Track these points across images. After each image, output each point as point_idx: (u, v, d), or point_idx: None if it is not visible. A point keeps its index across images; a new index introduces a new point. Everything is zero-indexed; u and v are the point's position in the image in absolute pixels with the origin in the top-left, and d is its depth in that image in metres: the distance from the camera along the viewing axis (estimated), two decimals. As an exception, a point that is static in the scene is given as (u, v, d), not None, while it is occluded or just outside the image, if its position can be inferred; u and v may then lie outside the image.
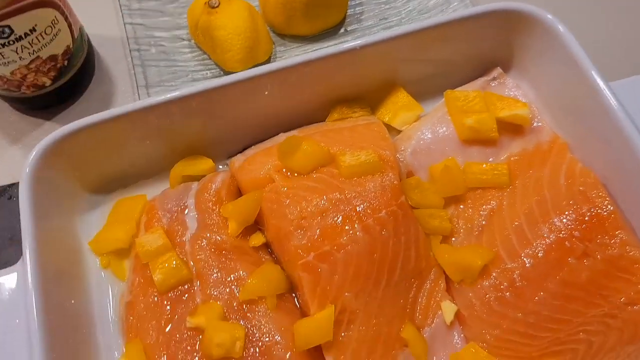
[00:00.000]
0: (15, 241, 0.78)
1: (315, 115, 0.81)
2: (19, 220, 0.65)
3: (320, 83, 0.78)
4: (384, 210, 0.68)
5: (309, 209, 0.68)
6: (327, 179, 0.71)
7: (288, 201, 0.69)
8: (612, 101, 0.70)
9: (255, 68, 0.73)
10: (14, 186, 0.81)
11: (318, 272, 0.66)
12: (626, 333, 0.67)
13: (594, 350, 0.67)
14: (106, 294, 0.72)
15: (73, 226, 0.74)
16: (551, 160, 0.74)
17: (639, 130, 0.68)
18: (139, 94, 0.84)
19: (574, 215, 0.68)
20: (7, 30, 0.73)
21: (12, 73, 0.78)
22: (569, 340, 0.66)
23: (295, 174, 0.72)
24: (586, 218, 0.68)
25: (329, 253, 0.66)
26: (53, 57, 0.80)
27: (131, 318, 0.70)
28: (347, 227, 0.67)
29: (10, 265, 0.68)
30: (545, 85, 0.80)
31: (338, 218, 0.68)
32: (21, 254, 0.64)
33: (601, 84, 0.71)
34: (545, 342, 0.66)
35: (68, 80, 0.84)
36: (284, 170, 0.72)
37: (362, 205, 0.68)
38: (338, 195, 0.69)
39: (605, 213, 0.68)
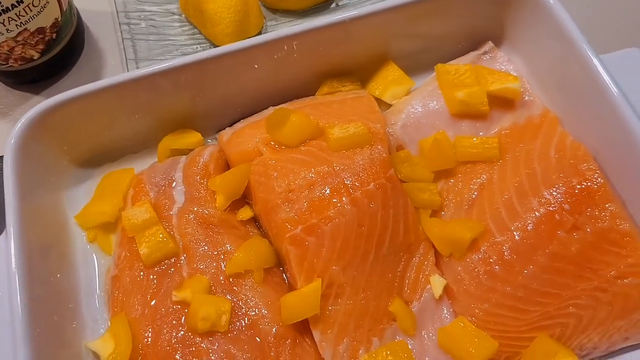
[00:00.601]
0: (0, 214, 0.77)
1: (305, 90, 0.80)
2: (4, 193, 0.65)
3: (311, 56, 0.77)
4: (373, 183, 0.67)
5: (296, 182, 0.68)
6: (316, 152, 0.70)
7: (276, 174, 0.69)
8: (603, 74, 0.69)
9: (245, 40, 0.72)
10: (1, 159, 0.80)
11: (305, 245, 0.65)
12: (616, 307, 0.66)
13: (583, 325, 0.66)
14: (92, 268, 0.72)
15: (59, 200, 0.74)
16: (542, 134, 0.73)
17: (630, 102, 0.67)
18: (127, 68, 0.83)
19: (564, 188, 0.67)
20: (-7, 1, 0.72)
21: (-1, 45, 0.78)
22: (559, 314, 0.66)
23: (284, 147, 0.71)
24: (576, 191, 0.67)
25: (316, 226, 0.65)
26: (41, 30, 0.79)
27: (117, 292, 0.69)
28: (335, 200, 0.66)
29: (-6, 238, 0.67)
30: (537, 58, 0.79)
31: (326, 191, 0.67)
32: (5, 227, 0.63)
33: (592, 56, 0.70)
34: (535, 316, 0.66)
35: (57, 54, 0.83)
36: (272, 143, 0.71)
37: (350, 178, 0.67)
38: (326, 168, 0.68)
39: (595, 186, 0.67)
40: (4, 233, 0.64)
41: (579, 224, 0.66)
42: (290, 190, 0.67)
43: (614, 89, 0.68)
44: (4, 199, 0.65)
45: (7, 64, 0.81)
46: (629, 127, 0.67)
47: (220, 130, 0.78)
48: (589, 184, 0.67)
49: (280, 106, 0.77)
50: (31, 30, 0.77)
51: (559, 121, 0.75)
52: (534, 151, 0.72)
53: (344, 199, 0.66)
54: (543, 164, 0.71)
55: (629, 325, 0.67)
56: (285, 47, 0.74)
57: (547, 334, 0.65)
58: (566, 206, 0.67)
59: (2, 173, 0.68)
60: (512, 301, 0.66)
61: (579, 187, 0.67)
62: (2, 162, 0.70)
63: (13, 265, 0.62)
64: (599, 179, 0.67)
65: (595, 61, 0.70)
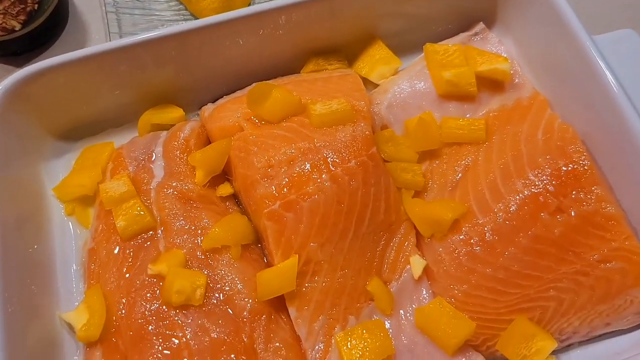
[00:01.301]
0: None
1: (291, 67, 0.79)
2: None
3: (297, 33, 0.75)
4: (354, 160, 0.66)
5: (276, 158, 0.66)
6: (297, 128, 0.69)
7: (256, 149, 0.67)
8: (596, 55, 0.68)
9: (229, 12, 0.71)
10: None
11: (283, 221, 0.64)
12: (598, 291, 0.65)
13: (564, 308, 0.65)
14: (69, 241, 0.71)
15: (38, 172, 0.73)
16: (530, 116, 0.72)
17: (622, 84, 0.66)
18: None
19: (549, 170, 0.66)
20: (-28, -32, 0.71)
21: (-21, 15, 0.77)
22: (539, 297, 0.65)
23: (265, 123, 0.70)
24: (562, 173, 0.66)
25: (295, 202, 0.64)
26: (22, 0, 0.78)
27: (93, 265, 0.68)
28: (314, 176, 0.65)
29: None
30: (529, 40, 0.77)
31: (306, 167, 0.66)
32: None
33: (585, 38, 0.68)
34: (514, 299, 0.65)
35: (39, 26, 0.82)
36: (253, 118, 0.70)
37: (331, 155, 0.66)
38: (307, 145, 0.67)
39: (582, 168, 0.66)
40: (-22, 202, 0.64)
41: (563, 207, 0.65)
42: (269, 165, 0.66)
43: (606, 71, 0.67)
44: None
45: (-11, 34, 0.80)
46: (619, 109, 0.65)
47: (203, 106, 0.77)
48: (575, 166, 0.66)
49: (262, 82, 0.75)
50: (12, 0, 0.76)
51: (548, 104, 0.74)
52: (521, 133, 0.71)
53: (323, 175, 0.65)
54: (530, 146, 0.69)
55: (610, 310, 0.65)
56: (271, 22, 0.73)
57: (526, 317, 0.64)
58: (551, 188, 0.65)
59: (-21, 143, 0.67)
60: (492, 283, 0.65)
61: (564, 169, 0.66)
62: (-20, 132, 0.69)
63: (-14, 234, 0.61)
64: (586, 162, 0.66)
65: (588, 43, 0.69)
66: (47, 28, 0.84)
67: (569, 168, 0.66)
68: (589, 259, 0.64)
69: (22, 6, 0.78)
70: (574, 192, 0.65)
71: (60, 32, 0.88)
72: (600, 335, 0.67)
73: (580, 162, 0.66)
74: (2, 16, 0.77)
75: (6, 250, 0.62)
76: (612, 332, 0.67)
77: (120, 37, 0.83)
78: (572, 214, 0.65)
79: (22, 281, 0.64)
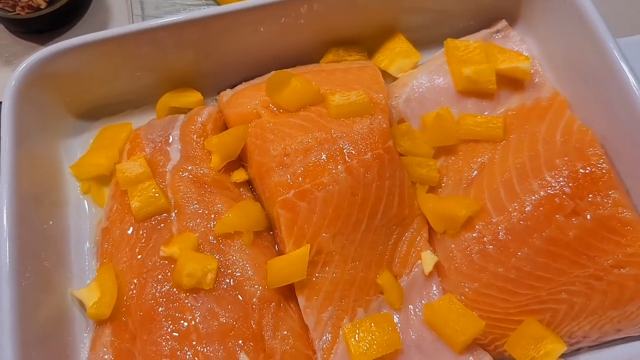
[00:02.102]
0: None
1: (311, 57, 0.79)
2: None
3: (318, 22, 0.75)
4: (370, 153, 0.66)
5: (292, 146, 0.66)
6: (315, 118, 0.69)
7: (272, 137, 0.68)
8: (619, 57, 0.67)
9: (252, 0, 0.71)
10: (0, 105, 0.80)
11: (297, 209, 0.64)
12: (610, 296, 0.64)
13: (575, 312, 0.65)
14: (84, 219, 0.72)
15: (56, 149, 0.74)
16: (549, 117, 0.71)
17: (644, 89, 0.65)
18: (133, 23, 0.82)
19: (566, 172, 0.65)
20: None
21: (6, -9, 0.78)
22: (550, 299, 0.64)
23: (283, 111, 0.70)
24: (579, 175, 0.65)
25: (309, 191, 0.64)
26: (48, -21, 0.79)
27: (106, 244, 0.69)
28: (330, 167, 0.65)
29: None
30: (551, 40, 0.77)
31: (322, 157, 0.66)
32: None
33: (608, 39, 0.68)
34: (525, 300, 0.64)
35: (63, 5, 0.83)
36: (271, 106, 0.70)
37: (347, 146, 0.66)
38: (324, 135, 0.67)
39: (600, 172, 0.65)
40: (-3, 175, 0.64)
41: (579, 209, 0.64)
42: (285, 154, 0.66)
43: (628, 74, 0.66)
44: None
45: (14, 11, 0.81)
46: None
47: (222, 92, 0.77)
48: (593, 169, 0.65)
49: (282, 70, 0.75)
50: (38, -22, 0.78)
51: (568, 105, 0.73)
52: (540, 133, 0.70)
53: (339, 166, 0.65)
54: (547, 147, 0.69)
55: (622, 317, 0.65)
56: (292, 11, 0.73)
57: (536, 319, 0.64)
58: (567, 190, 0.65)
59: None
60: (503, 282, 0.64)
61: (582, 171, 0.65)
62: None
63: (4, 208, 0.62)
64: (604, 165, 0.65)
65: (612, 45, 0.68)
66: (71, 8, 0.85)
67: (587, 171, 0.66)
68: (602, 264, 0.64)
69: (48, -15, 0.79)
70: (590, 196, 0.65)
71: (84, 12, 0.89)
72: (610, 341, 0.66)
73: (599, 165, 0.65)
74: (28, -6, 0.78)
75: (22, 224, 0.63)
76: (623, 338, 0.66)
77: (143, 19, 0.84)
78: (588, 217, 0.64)
79: (36, 256, 0.64)
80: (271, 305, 0.64)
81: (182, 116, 0.75)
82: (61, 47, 0.68)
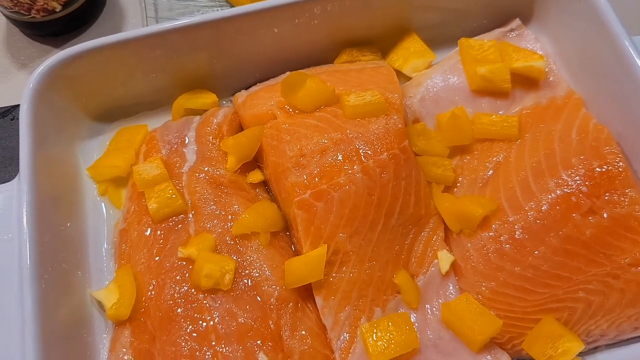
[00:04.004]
0: (15, 161, 0.78)
1: (325, 57, 0.79)
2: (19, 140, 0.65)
3: (331, 23, 0.75)
4: (386, 153, 0.66)
5: (308, 147, 0.67)
6: (330, 118, 0.69)
7: (288, 138, 0.68)
8: (634, 55, 0.67)
9: (265, 1, 0.71)
10: (18, 108, 0.81)
11: (313, 210, 0.64)
12: (628, 295, 0.64)
13: (592, 310, 0.65)
14: (102, 220, 0.73)
15: (73, 151, 0.74)
16: (564, 115, 0.71)
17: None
18: (147, 26, 0.83)
19: (583, 171, 0.65)
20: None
21: (22, -6, 0.78)
22: (567, 298, 0.64)
23: (298, 112, 0.70)
24: (596, 174, 0.65)
25: (325, 192, 0.65)
26: (63, -18, 0.79)
27: (124, 245, 0.70)
28: (346, 167, 0.65)
29: (8, 184, 0.68)
30: (565, 39, 0.76)
31: (338, 157, 0.66)
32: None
33: (623, 37, 0.68)
34: (542, 298, 0.64)
35: (78, 8, 0.84)
36: (286, 107, 0.71)
37: (363, 147, 0.66)
38: (339, 135, 0.67)
39: (616, 170, 0.65)
40: (16, 178, 0.65)
41: (595, 208, 0.64)
42: (301, 154, 0.67)
43: (644, 72, 0.66)
44: (19, 146, 0.65)
45: (30, 14, 0.81)
46: (656, 112, 0.65)
47: (236, 93, 0.77)
48: (609, 167, 0.65)
49: (297, 71, 0.76)
50: (54, -19, 0.78)
51: (583, 103, 0.73)
52: (555, 132, 0.70)
53: (355, 166, 0.65)
54: (563, 145, 0.69)
55: (639, 315, 0.65)
56: (306, 12, 0.73)
57: (553, 317, 0.64)
58: (584, 189, 0.65)
59: (18, 121, 0.68)
60: (520, 281, 0.64)
61: (599, 170, 0.65)
62: (19, 111, 0.71)
63: (24, 210, 0.62)
64: (621, 163, 0.65)
65: (627, 43, 0.68)
66: (85, 10, 0.86)
67: (603, 169, 0.65)
68: (619, 262, 0.64)
69: (63, -12, 0.79)
70: (607, 194, 0.65)
71: (99, 14, 0.90)
72: (628, 339, 0.66)
73: (615, 163, 0.65)
74: (44, -3, 0.79)
75: (42, 226, 0.64)
76: (640, 336, 0.66)
77: (157, 21, 0.84)
78: (605, 215, 0.64)
79: (55, 257, 0.65)
80: (289, 306, 0.64)
81: (197, 117, 0.75)
82: (78, 50, 0.69)
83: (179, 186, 0.70)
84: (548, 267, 0.64)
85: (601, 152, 0.66)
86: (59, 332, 0.62)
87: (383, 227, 0.66)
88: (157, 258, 0.67)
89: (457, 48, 0.77)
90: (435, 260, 0.68)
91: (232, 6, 0.89)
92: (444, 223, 0.69)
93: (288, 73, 0.76)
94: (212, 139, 0.73)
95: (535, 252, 0.64)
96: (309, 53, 0.78)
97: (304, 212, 0.64)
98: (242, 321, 0.63)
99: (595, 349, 0.66)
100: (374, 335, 0.62)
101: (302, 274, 0.63)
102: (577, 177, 0.65)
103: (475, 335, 0.63)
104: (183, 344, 0.62)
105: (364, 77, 0.73)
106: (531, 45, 0.77)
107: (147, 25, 0.84)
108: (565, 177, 0.66)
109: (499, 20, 0.80)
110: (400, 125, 0.68)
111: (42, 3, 0.79)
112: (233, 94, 0.79)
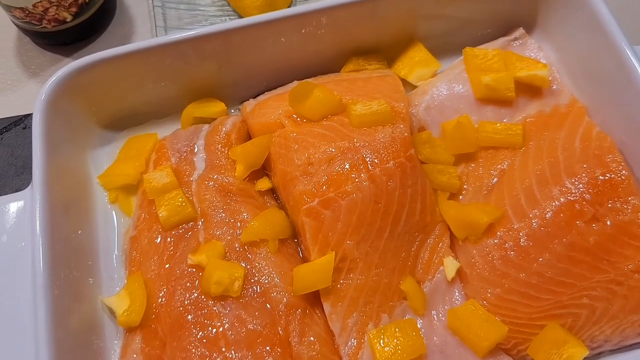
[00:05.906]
0: (27, 169, 0.79)
1: (331, 66, 0.80)
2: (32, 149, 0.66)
3: (338, 33, 0.77)
4: (392, 161, 0.67)
5: (316, 156, 0.68)
6: (337, 127, 0.70)
7: (296, 146, 0.69)
8: (636, 64, 0.68)
9: (272, 12, 0.73)
10: (30, 117, 0.82)
11: (321, 218, 0.65)
12: (631, 301, 0.65)
13: (596, 316, 0.66)
14: (112, 228, 0.74)
15: (84, 160, 0.75)
16: (568, 123, 0.72)
17: (662, 96, 0.66)
18: (156, 35, 0.84)
19: (586, 178, 0.66)
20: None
21: (34, 6, 0.79)
22: (572, 304, 0.65)
23: (305, 121, 0.71)
24: (599, 182, 0.66)
25: (333, 200, 0.66)
26: (74, -8, 0.81)
27: (134, 253, 0.71)
28: (353, 176, 0.67)
29: (20, 192, 0.69)
30: (568, 47, 0.77)
31: (345, 166, 0.67)
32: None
33: (625, 46, 0.69)
34: (547, 305, 0.65)
35: (89, 17, 0.85)
36: (294, 116, 0.72)
37: (370, 155, 0.67)
38: (347, 144, 0.68)
39: (619, 178, 0.66)
40: (29, 187, 0.66)
41: (599, 215, 0.65)
42: (309, 163, 0.68)
43: (646, 81, 0.67)
44: (31, 154, 0.67)
45: (41, 24, 0.83)
46: (658, 120, 0.66)
47: (244, 102, 0.79)
48: (612, 175, 0.66)
49: (304, 80, 0.77)
50: (64, -8, 0.79)
51: (586, 111, 0.74)
52: (559, 140, 0.71)
53: (362, 175, 0.67)
54: (567, 153, 0.70)
55: (643, 321, 0.66)
56: (313, 22, 0.74)
57: (558, 323, 0.65)
58: (587, 196, 0.66)
59: (31, 130, 0.69)
60: (525, 288, 0.65)
61: (602, 178, 0.66)
62: (32, 119, 0.72)
63: (37, 218, 0.64)
64: (623, 171, 0.66)
65: (629, 52, 0.69)
66: (96, 20, 0.87)
67: (606, 177, 0.66)
68: (623, 269, 0.65)
69: (75, -1, 0.81)
70: (610, 202, 0.66)
71: (109, 23, 0.91)
72: (631, 345, 0.67)
73: (618, 171, 0.66)
74: (55, 7, 0.80)
75: (54, 233, 0.65)
76: (644, 342, 0.67)
77: (166, 30, 0.85)
78: (608, 223, 0.65)
79: (67, 264, 0.66)
80: (297, 312, 0.65)
81: (206, 126, 0.77)
82: (89, 60, 0.70)
83: (189, 194, 0.71)
84: (552, 274, 0.65)
85: (604, 160, 0.67)
86: (71, 338, 0.63)
87: (390, 234, 0.67)
88: (167, 265, 0.68)
89: (462, 57, 0.78)
90: (441, 267, 0.69)
91: (240, 16, 0.90)
92: (450, 230, 0.70)
93: (296, 82, 0.77)
94: (221, 147, 0.74)
95: (540, 259, 0.65)
96: (316, 62, 0.79)
97: (312, 220, 0.66)
98: (252, 327, 0.64)
99: (599, 355, 0.67)
100: (382, 341, 0.63)
101: (310, 281, 0.64)
102: (581, 185, 0.66)
103: (481, 341, 0.64)
104: (193, 350, 0.63)
105: (371, 86, 0.74)
106: (535, 54, 0.79)
107: (156, 35, 0.85)
108: (568, 185, 0.67)
109: (503, 29, 0.82)
110: (406, 134, 0.69)
111: (53, 13, 0.81)
112: (241, 103, 0.80)
